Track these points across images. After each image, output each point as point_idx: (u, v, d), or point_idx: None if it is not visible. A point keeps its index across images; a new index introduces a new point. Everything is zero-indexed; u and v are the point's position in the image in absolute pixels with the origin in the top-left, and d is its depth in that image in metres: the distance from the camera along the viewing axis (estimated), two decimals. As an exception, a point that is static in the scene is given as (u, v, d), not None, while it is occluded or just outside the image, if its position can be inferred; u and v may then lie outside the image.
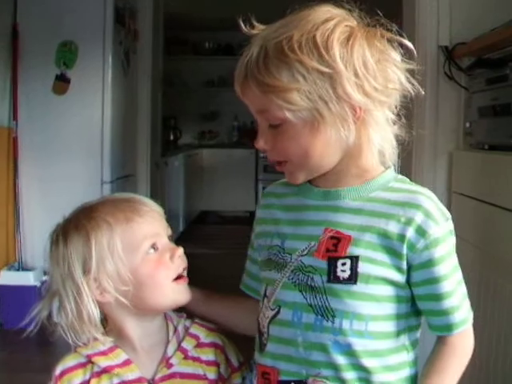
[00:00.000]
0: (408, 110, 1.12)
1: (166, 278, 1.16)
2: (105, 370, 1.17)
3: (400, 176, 1.14)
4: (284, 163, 1.10)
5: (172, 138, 7.08)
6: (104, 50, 4.00)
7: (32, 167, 4.00)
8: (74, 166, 4.00)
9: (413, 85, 1.07)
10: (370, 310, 1.06)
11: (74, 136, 3.99)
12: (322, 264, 1.07)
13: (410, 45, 1.09)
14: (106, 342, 1.18)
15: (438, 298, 1.08)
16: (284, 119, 1.03)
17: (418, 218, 1.05)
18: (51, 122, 3.98)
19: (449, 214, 1.10)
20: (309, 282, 1.08)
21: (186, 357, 1.20)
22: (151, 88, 4.81)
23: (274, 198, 1.21)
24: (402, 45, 1.08)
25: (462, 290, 1.11)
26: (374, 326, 1.06)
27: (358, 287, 1.05)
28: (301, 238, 1.11)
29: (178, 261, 1.18)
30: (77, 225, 1.15)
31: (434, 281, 1.07)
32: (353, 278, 1.05)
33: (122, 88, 4.29)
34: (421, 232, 1.05)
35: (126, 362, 1.17)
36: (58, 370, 1.18)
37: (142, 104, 4.74)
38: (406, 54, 1.09)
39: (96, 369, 1.17)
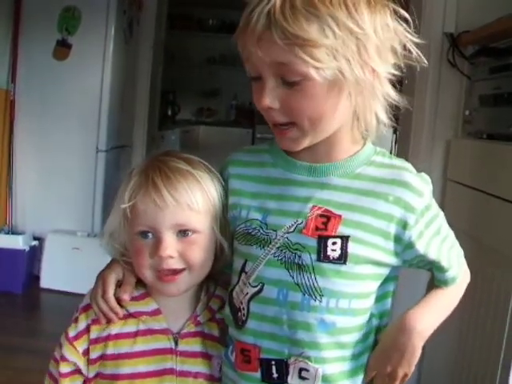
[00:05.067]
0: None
1: (144, 266, 1.12)
2: (132, 315, 1.16)
3: (378, 148, 1.13)
4: (291, 126, 1.03)
5: (170, 112, 7.04)
6: (107, 18, 4.00)
7: (27, 131, 3.99)
8: (69, 133, 4.00)
9: (417, 56, 1.04)
10: (355, 289, 1.07)
11: (71, 102, 3.99)
12: (311, 242, 1.06)
13: (407, 15, 1.04)
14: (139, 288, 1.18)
15: (449, 245, 1.16)
16: (306, 75, 0.96)
17: (406, 195, 1.06)
18: (49, 87, 3.97)
19: (427, 177, 1.11)
20: (296, 260, 1.06)
21: (213, 318, 1.20)
22: (152, 60, 4.81)
23: (244, 167, 1.17)
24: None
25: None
26: (356, 303, 1.07)
27: (347, 267, 1.05)
28: (286, 214, 1.09)
29: (160, 260, 1.11)
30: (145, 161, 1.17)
31: (438, 231, 1.13)
32: (342, 258, 1.04)
33: (123, 58, 4.27)
34: (410, 209, 1.06)
35: (155, 312, 1.17)
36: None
37: (141, 75, 4.73)
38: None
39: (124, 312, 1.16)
